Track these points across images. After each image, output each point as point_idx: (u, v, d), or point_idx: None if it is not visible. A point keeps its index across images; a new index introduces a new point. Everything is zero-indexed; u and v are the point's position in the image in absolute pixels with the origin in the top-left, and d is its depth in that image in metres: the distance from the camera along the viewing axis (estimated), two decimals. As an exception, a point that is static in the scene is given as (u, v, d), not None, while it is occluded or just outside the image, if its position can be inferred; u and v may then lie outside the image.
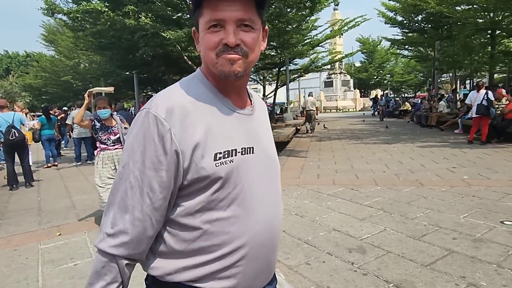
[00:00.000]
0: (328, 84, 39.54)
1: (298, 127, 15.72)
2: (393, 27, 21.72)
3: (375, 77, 49.52)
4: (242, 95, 0.90)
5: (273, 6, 10.10)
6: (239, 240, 0.81)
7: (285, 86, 28.82)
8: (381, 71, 49.66)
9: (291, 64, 21.46)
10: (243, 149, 0.83)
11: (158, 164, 0.76)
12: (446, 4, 10.88)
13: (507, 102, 8.75)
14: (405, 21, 20.86)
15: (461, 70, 17.27)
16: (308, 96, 19.20)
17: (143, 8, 9.24)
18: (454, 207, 3.96)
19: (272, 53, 17.69)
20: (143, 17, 8.90)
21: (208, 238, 0.80)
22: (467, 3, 10.97)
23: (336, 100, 37.17)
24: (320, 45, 20.13)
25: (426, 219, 3.63)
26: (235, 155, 0.81)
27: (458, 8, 12.38)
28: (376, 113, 23.52)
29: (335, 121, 21.20)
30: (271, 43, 14.75)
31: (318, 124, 18.02)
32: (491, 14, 12.45)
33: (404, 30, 22.21)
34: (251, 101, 0.94)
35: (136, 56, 12.26)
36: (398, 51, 27.44)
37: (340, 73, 39.68)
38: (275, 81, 23.97)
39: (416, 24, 20.44)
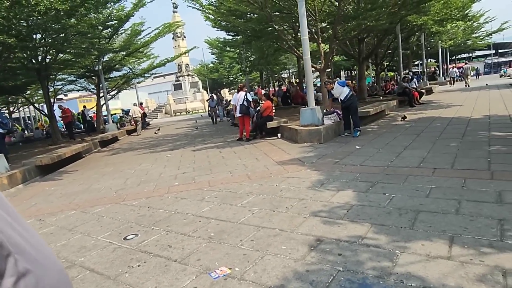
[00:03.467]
0: (177, 87, 39.38)
1: (115, 137, 14.87)
2: (220, 30, 22.83)
3: (226, 77, 51.78)
4: None
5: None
6: None
7: (134, 91, 27.04)
8: (231, 71, 52.21)
9: (113, 72, 20.33)
10: None
11: None
12: (222, 15, 11.89)
13: (263, 102, 9.98)
14: (229, 25, 22.19)
15: (261, 71, 19.35)
16: (133, 105, 19.12)
17: None
18: (112, 226, 4.01)
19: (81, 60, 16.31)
20: None
21: None
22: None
23: (185, 103, 37.33)
24: (140, 50, 19.64)
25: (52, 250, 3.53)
26: None
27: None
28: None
29: (170, 125, 21.03)
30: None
31: (159, 129, 17.68)
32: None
33: (229, 33, 23.64)
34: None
35: None
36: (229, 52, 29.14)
37: (188, 75, 39.96)
38: (113, 89, 22.41)
39: (239, 28, 21.94)
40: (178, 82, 39.41)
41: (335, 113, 8.42)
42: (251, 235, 3.25)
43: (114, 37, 18.48)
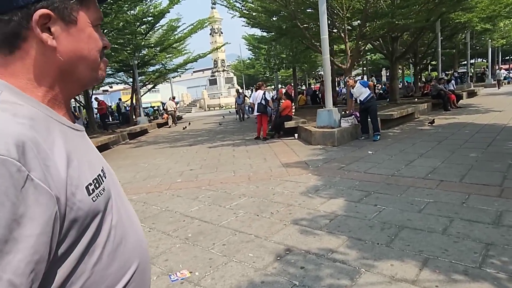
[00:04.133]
0: (212, 82, 40.06)
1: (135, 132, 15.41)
2: (255, 27, 22.84)
3: (262, 73, 51.63)
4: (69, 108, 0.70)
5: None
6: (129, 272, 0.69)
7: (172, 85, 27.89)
8: (268, 67, 51.86)
9: (148, 66, 21.07)
10: (102, 171, 0.68)
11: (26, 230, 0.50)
12: (248, 12, 11.93)
13: (283, 101, 9.84)
14: (265, 22, 22.06)
15: (294, 68, 19.00)
16: (169, 100, 19.87)
17: None
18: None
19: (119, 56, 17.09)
20: None
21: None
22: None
23: (219, 98, 37.88)
24: (174, 46, 20.17)
25: None
26: (102, 181, 0.66)
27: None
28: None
29: (200, 120, 21.46)
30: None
31: (189, 124, 18.07)
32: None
33: (263, 30, 23.53)
34: (73, 113, 0.74)
35: None
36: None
37: (223, 70, 40.48)
38: (148, 83, 23.28)
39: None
40: (213, 77, 40.08)
41: (353, 116, 8.12)
42: (225, 239, 3.23)
43: (150, 33, 19.16)
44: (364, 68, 34.92)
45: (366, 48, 20.14)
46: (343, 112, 8.33)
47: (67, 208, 0.56)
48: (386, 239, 2.91)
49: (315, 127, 8.35)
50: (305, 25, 10.62)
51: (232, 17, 12.38)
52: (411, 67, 31.09)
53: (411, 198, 3.85)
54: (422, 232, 2.99)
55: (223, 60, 40.97)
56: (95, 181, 0.63)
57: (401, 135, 8.16)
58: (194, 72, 75.82)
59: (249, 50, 53.08)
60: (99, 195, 0.63)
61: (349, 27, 11.04)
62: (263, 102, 9.22)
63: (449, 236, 2.86)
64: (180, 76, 28.09)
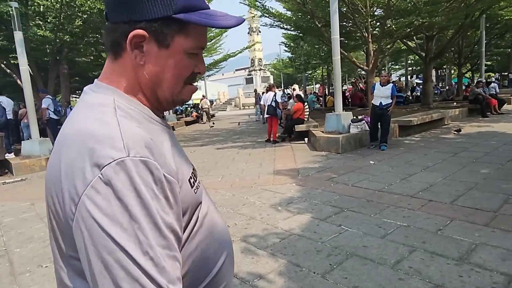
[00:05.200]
0: (249, 80, 40.10)
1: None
2: (274, 27, 22.37)
3: (300, 72, 50.80)
4: None
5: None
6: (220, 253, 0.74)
7: (217, 83, 28.31)
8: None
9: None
10: (193, 165, 0.75)
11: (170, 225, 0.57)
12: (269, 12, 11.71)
13: (295, 103, 9.46)
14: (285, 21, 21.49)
15: (314, 69, 18.28)
16: (203, 98, 20.45)
17: None
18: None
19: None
20: None
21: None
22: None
23: (254, 97, 37.84)
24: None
25: None
26: (196, 175, 0.72)
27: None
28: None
29: (230, 119, 21.59)
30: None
31: (213, 124, 18.18)
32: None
33: (286, 29, 22.97)
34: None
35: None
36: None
37: (260, 69, 40.40)
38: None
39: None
40: (249, 76, 40.12)
41: (363, 121, 7.59)
42: (165, 252, 3.09)
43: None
44: (409, 69, 32.86)
45: (402, 48, 18.98)
46: (353, 117, 7.81)
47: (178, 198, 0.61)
48: (325, 268, 2.59)
49: (323, 131, 7.94)
50: (323, 24, 10.14)
51: (253, 16, 12.21)
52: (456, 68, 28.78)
53: (384, 219, 3.44)
54: (371, 263, 2.62)
55: (260, 59, 40.83)
56: (192, 174, 0.69)
57: (416, 144, 7.48)
58: (236, 70, 76.72)
59: (285, 50, 52.62)
60: (198, 187, 0.70)
61: (372, 26, 10.37)
62: (273, 104, 8.95)
63: (398, 271, 2.47)
64: (222, 74, 28.47)
